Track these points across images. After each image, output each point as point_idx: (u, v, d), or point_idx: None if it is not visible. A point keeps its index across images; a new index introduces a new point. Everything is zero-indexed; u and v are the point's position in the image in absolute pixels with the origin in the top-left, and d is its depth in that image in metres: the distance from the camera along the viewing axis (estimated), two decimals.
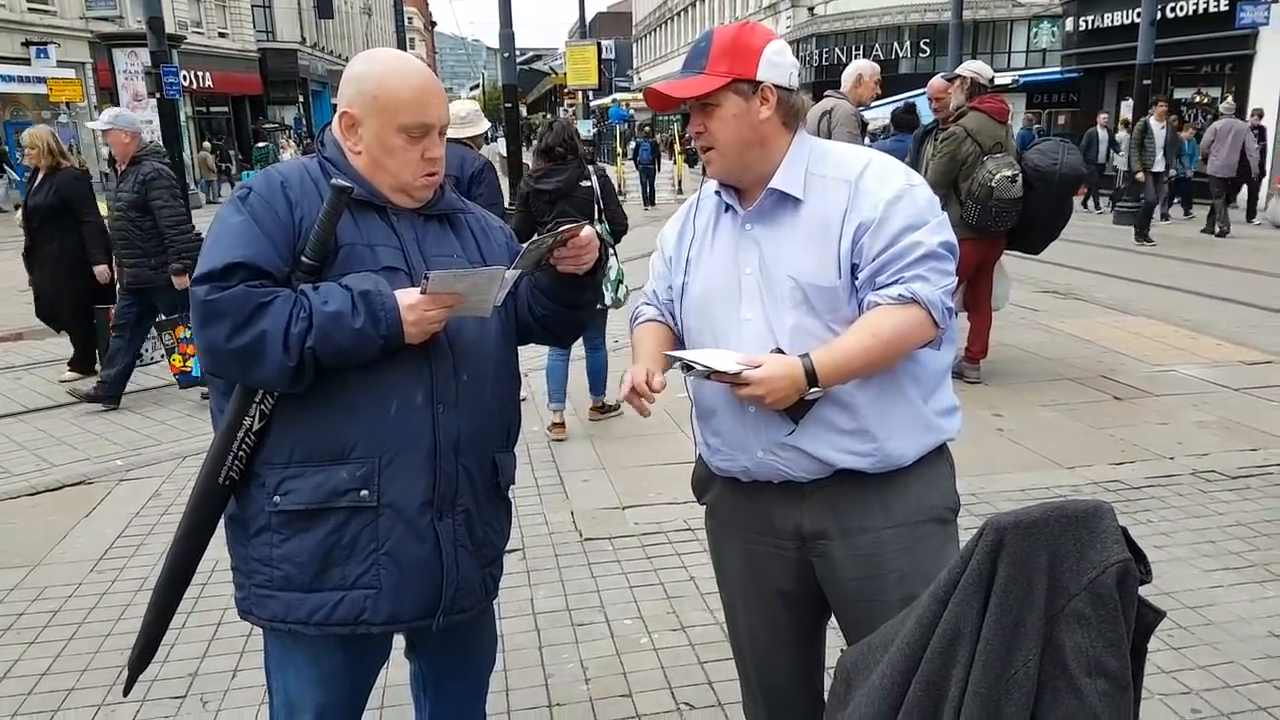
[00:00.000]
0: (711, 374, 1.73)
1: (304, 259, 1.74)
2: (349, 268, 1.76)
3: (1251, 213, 15.90)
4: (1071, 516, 1.36)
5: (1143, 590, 1.41)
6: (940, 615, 1.38)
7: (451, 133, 6.07)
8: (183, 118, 20.41)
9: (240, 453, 1.78)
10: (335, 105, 1.96)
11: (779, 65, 1.80)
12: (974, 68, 6.29)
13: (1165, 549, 3.79)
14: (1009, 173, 5.68)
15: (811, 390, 1.71)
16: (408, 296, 1.73)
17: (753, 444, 1.85)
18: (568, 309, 2.01)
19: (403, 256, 1.83)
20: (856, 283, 1.77)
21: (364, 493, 1.77)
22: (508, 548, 2.12)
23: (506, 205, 5.88)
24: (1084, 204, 17.72)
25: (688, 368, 1.77)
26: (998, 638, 1.34)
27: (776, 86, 1.80)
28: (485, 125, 5.66)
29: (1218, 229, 14.09)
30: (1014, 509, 1.42)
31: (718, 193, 1.93)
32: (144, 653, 1.97)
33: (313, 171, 1.84)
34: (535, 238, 1.86)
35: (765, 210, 1.84)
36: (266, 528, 1.80)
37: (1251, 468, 4.68)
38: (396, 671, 2.54)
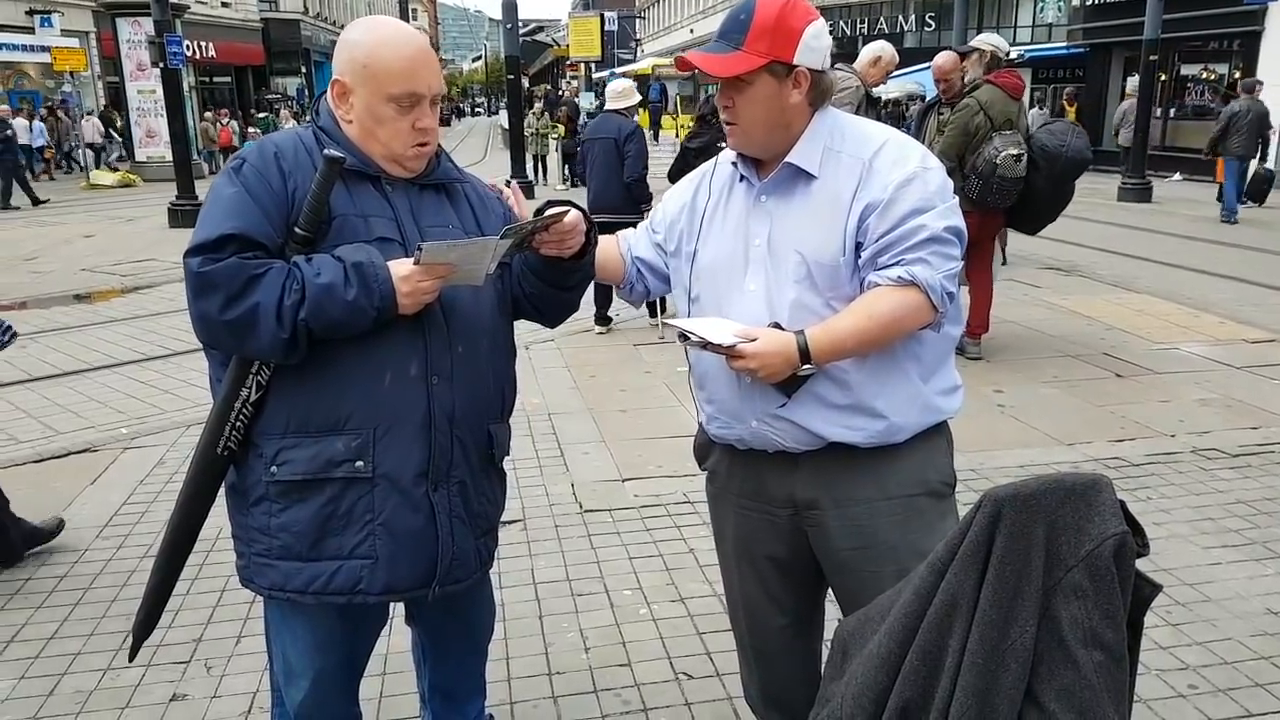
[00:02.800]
0: (706, 345, 1.75)
1: (297, 230, 1.74)
2: (342, 238, 1.76)
3: None
4: (1070, 489, 1.37)
5: (1141, 565, 1.42)
6: (938, 586, 1.39)
7: (612, 105, 7.46)
8: (185, 87, 20.34)
9: (238, 423, 1.79)
10: None
11: (816, 50, 1.78)
12: (992, 41, 6.20)
13: (1165, 526, 3.81)
14: (1015, 151, 5.62)
15: (804, 367, 1.74)
16: (401, 267, 1.73)
17: (747, 414, 1.88)
18: (556, 289, 1.99)
19: (397, 227, 1.83)
20: (859, 262, 1.77)
21: (359, 464, 1.78)
22: (509, 519, 2.13)
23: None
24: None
25: (684, 336, 1.79)
26: (995, 608, 1.35)
27: (810, 70, 1.78)
28: (636, 98, 7.51)
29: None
30: (1013, 482, 1.43)
31: (734, 164, 1.93)
32: (147, 619, 2.00)
33: (307, 141, 1.83)
34: (519, 221, 1.84)
35: (780, 183, 1.85)
36: (265, 497, 1.82)
37: (1252, 446, 4.69)
38: (399, 638, 2.57)
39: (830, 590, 2.06)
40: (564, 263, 1.92)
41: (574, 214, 1.86)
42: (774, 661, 2.13)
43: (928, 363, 1.86)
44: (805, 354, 1.73)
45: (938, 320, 1.79)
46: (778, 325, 1.78)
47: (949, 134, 5.86)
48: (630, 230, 2.21)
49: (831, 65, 1.87)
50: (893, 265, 1.73)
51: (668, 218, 2.08)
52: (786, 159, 1.82)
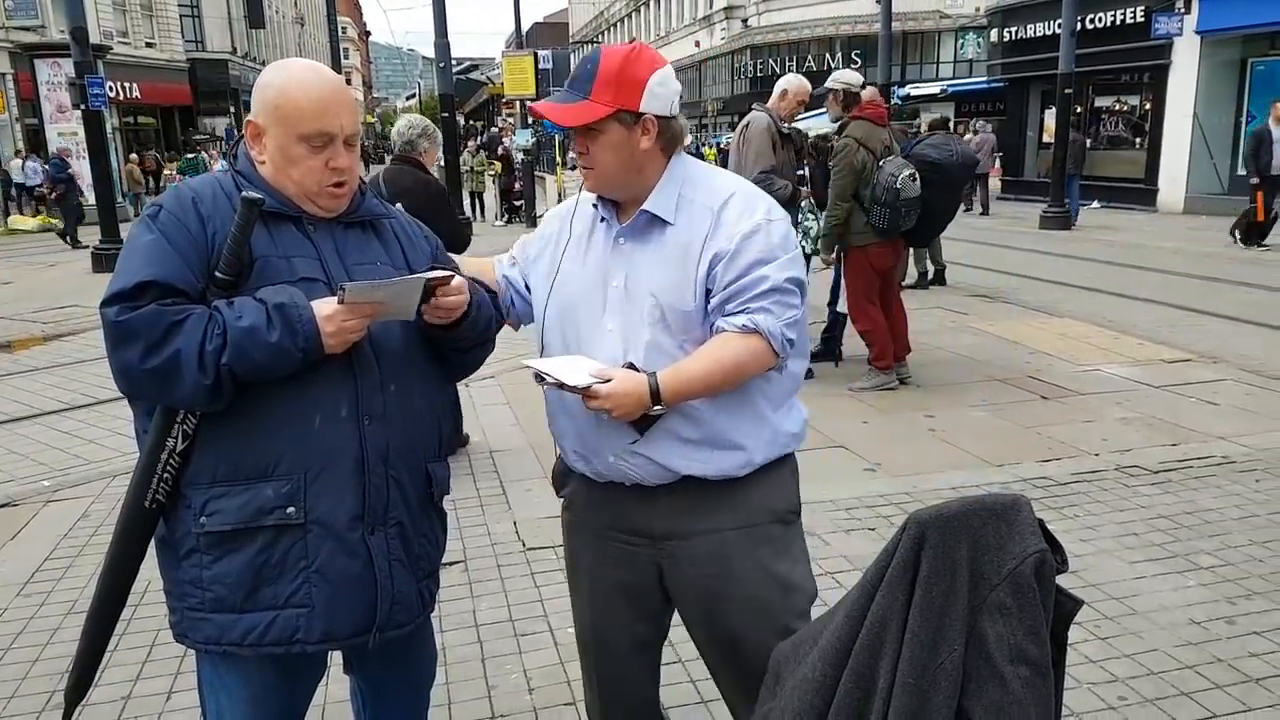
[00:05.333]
0: (562, 385, 1.81)
1: (217, 274, 1.71)
2: (264, 280, 1.74)
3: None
4: (990, 510, 1.41)
5: (1068, 580, 1.47)
6: (868, 608, 1.43)
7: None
8: (109, 129, 19.93)
9: (165, 474, 1.75)
10: None
11: (661, 96, 1.85)
12: (843, 79, 6.46)
13: (1091, 542, 3.92)
14: (909, 172, 5.78)
15: (655, 408, 1.81)
16: (325, 306, 1.72)
17: (604, 449, 1.95)
18: (452, 350, 1.98)
19: (321, 266, 1.81)
20: (709, 307, 1.86)
21: (290, 510, 1.74)
22: (449, 560, 2.11)
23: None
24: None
25: (540, 378, 1.84)
26: (924, 629, 1.38)
27: (658, 117, 1.86)
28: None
29: (978, 210, 18.97)
30: (935, 504, 1.47)
31: (595, 205, 2.00)
32: (79, 682, 1.93)
33: (225, 185, 1.81)
34: (444, 260, 1.84)
35: (638, 229, 1.92)
36: (195, 549, 1.77)
37: (1172, 462, 4.85)
38: (336, 688, 2.52)
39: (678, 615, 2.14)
40: (441, 329, 1.89)
41: (459, 280, 1.86)
42: (617, 685, 2.21)
43: (775, 396, 1.96)
44: (656, 395, 1.80)
45: (779, 364, 1.89)
46: (632, 365, 1.86)
47: (838, 176, 6.03)
48: (502, 257, 2.25)
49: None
50: (738, 313, 1.83)
51: (531, 252, 2.14)
52: (643, 207, 1.90)
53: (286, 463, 1.74)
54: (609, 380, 1.80)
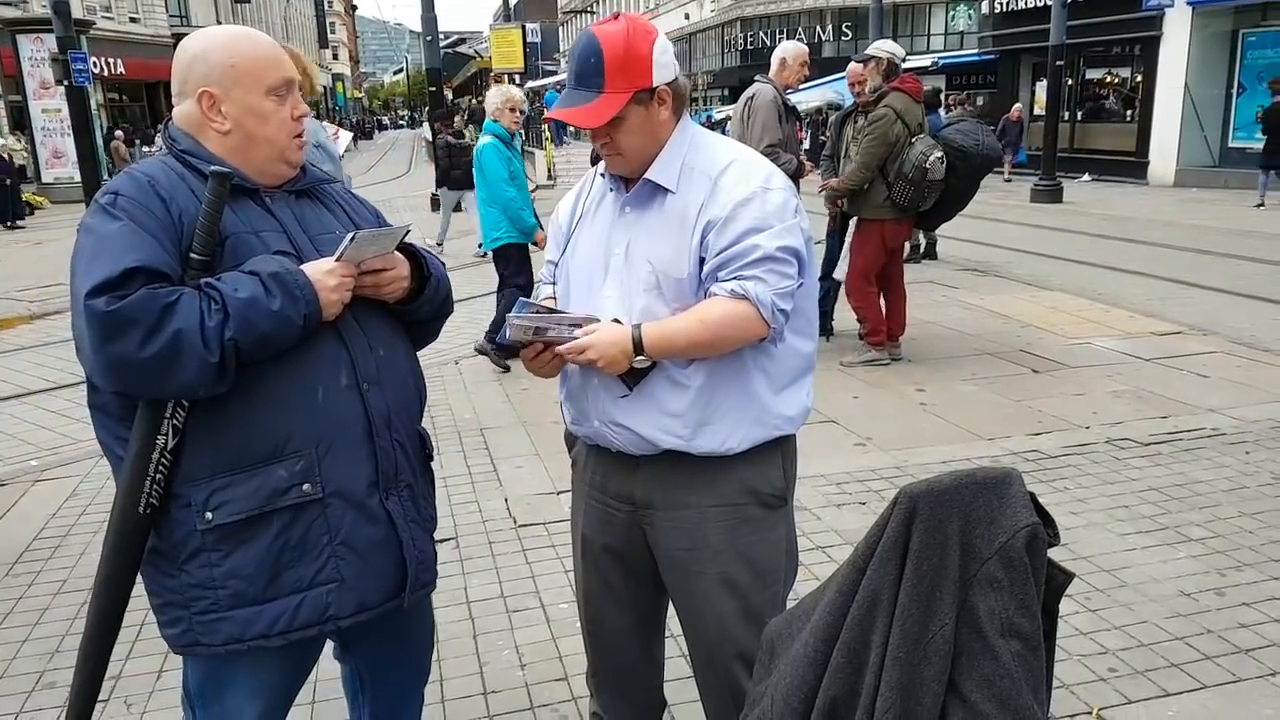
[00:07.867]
0: (546, 342, 1.84)
1: (193, 255, 1.65)
2: (237, 258, 1.69)
3: None
4: (981, 483, 1.40)
5: (1059, 553, 1.46)
6: (859, 583, 1.42)
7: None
8: (94, 106, 19.72)
9: (158, 476, 1.67)
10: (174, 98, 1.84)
11: (665, 65, 1.85)
12: (887, 48, 6.25)
13: (1081, 515, 3.93)
14: (939, 154, 5.73)
15: (638, 358, 1.81)
16: (322, 264, 1.71)
17: (592, 414, 1.98)
18: (406, 319, 1.95)
19: (288, 240, 1.77)
20: (703, 275, 1.86)
21: (306, 486, 1.71)
22: (441, 537, 2.11)
23: None
24: None
25: (524, 330, 1.85)
26: (914, 603, 1.38)
27: (668, 85, 1.86)
28: None
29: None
30: (926, 478, 1.46)
31: (603, 175, 2.01)
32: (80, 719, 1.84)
33: (175, 167, 1.74)
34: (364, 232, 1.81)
35: (642, 198, 1.93)
36: (201, 549, 1.71)
37: (1162, 435, 4.87)
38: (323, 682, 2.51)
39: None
40: (399, 301, 1.89)
41: (403, 262, 1.86)
42: (609, 648, 2.23)
43: (777, 376, 1.94)
44: (639, 345, 1.81)
45: (771, 335, 1.86)
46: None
47: (870, 145, 5.89)
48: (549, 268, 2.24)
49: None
50: (729, 280, 1.82)
51: (560, 232, 2.14)
52: (646, 175, 1.90)
53: (297, 439, 1.70)
54: (593, 331, 1.82)
